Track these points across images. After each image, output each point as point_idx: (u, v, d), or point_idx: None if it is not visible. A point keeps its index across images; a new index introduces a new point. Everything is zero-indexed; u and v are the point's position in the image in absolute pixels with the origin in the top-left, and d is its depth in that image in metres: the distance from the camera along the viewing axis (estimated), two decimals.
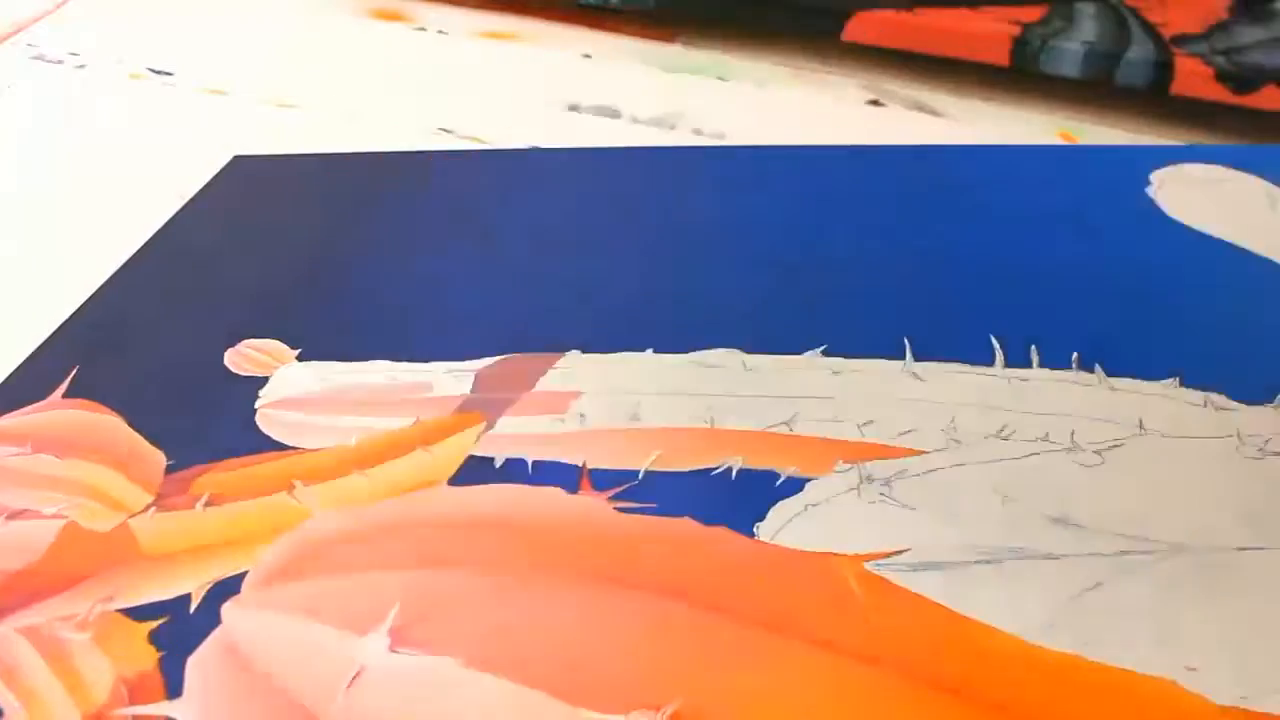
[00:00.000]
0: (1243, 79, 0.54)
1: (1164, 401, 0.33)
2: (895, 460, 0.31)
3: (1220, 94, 0.54)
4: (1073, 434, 0.32)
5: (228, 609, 0.29)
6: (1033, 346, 0.35)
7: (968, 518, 0.29)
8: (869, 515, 0.29)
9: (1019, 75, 0.54)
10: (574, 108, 0.52)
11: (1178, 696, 0.25)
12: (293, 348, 0.38)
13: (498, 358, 0.36)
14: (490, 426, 0.34)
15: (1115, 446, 0.31)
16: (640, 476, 0.31)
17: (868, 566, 0.28)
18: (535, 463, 0.32)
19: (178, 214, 0.47)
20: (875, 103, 0.53)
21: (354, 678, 0.26)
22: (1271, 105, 0.56)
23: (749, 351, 0.35)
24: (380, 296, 0.41)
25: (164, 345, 0.40)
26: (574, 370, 0.35)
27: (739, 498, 0.30)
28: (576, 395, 0.34)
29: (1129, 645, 0.26)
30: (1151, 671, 0.25)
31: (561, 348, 0.36)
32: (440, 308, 0.39)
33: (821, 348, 0.35)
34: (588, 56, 0.56)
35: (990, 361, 0.34)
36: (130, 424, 0.35)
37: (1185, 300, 0.38)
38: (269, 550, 0.30)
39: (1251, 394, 0.33)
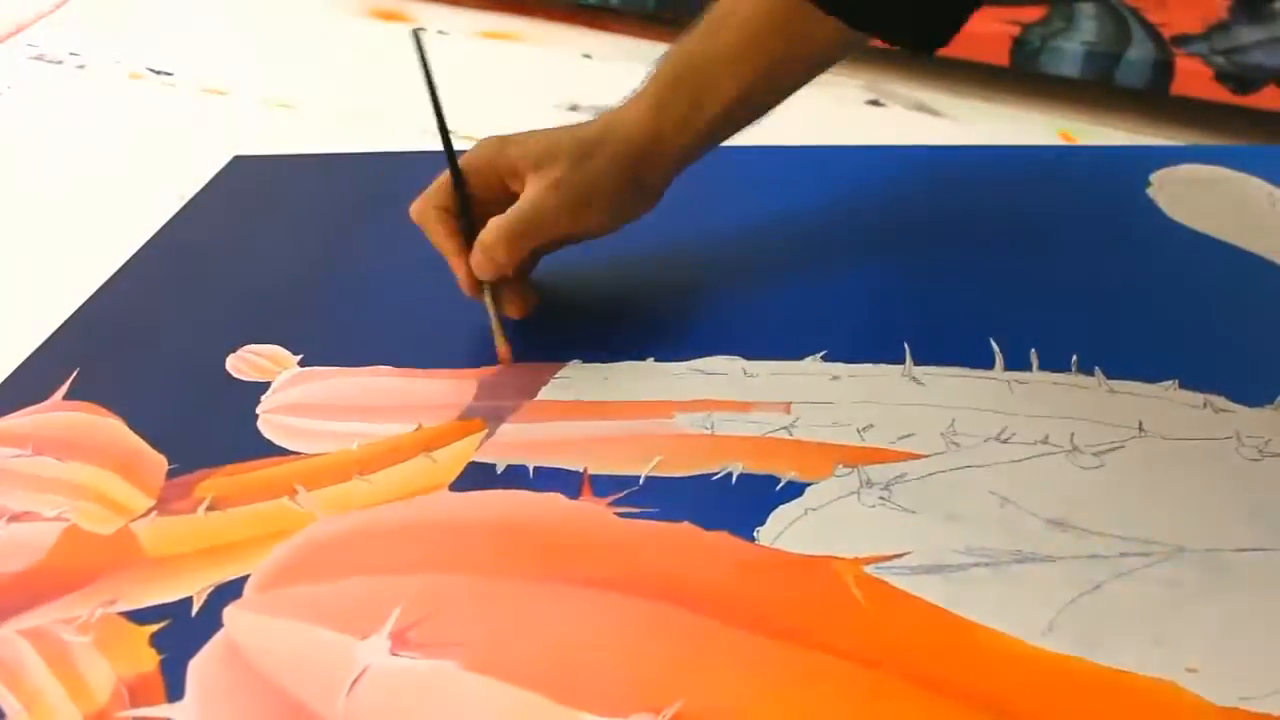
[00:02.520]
0: (1243, 79, 0.54)
1: (1163, 403, 0.33)
2: (895, 464, 0.31)
3: (1220, 94, 0.54)
4: (1072, 436, 0.32)
5: (229, 612, 0.29)
6: (1032, 350, 0.35)
7: (968, 521, 0.29)
8: (869, 519, 0.29)
9: (1019, 75, 0.54)
10: (574, 108, 0.52)
11: (1178, 698, 0.25)
12: (294, 352, 0.38)
13: (499, 365, 0.36)
14: (491, 433, 0.34)
15: (1115, 449, 0.31)
16: (641, 482, 0.31)
17: (868, 570, 0.28)
18: (536, 469, 0.32)
19: (178, 214, 0.47)
20: (875, 103, 0.53)
21: (355, 680, 0.26)
22: (1271, 105, 0.56)
23: (749, 358, 0.36)
24: (381, 299, 0.41)
25: (165, 347, 0.40)
26: (575, 379, 0.36)
27: (739, 502, 0.30)
28: (578, 404, 0.34)
29: (1129, 647, 0.26)
30: (1151, 673, 0.25)
31: (562, 357, 0.37)
32: (441, 311, 0.39)
33: (821, 353, 0.35)
34: (588, 56, 0.56)
35: (990, 364, 0.34)
36: (131, 427, 0.35)
37: (1185, 301, 0.38)
38: (271, 554, 0.30)
39: (1251, 395, 0.33)
